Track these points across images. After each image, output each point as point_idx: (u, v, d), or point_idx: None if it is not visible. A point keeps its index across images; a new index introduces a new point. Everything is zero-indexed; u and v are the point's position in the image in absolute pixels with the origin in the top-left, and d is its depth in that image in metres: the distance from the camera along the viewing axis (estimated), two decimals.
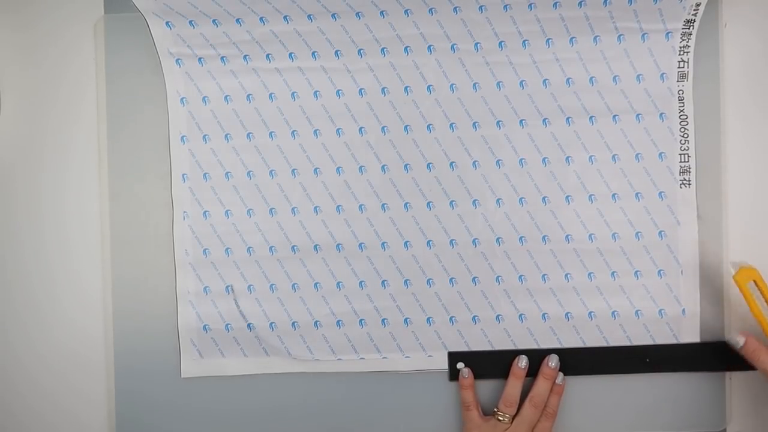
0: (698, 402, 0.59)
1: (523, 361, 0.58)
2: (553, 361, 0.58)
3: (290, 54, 0.59)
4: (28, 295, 0.61)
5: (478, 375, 0.59)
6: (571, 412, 0.59)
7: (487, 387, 0.60)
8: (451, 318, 0.60)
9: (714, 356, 0.58)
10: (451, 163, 0.59)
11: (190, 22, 0.57)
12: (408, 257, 0.59)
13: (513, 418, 0.57)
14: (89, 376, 0.61)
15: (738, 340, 0.55)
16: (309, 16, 0.57)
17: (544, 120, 0.59)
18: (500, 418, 0.56)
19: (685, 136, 0.58)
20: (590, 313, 0.59)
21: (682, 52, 0.58)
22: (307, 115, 0.59)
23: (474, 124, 0.59)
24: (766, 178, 0.59)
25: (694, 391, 0.59)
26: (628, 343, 0.59)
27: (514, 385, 0.57)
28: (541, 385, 0.57)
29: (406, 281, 0.59)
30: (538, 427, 0.56)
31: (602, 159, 0.59)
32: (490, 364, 0.59)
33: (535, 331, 0.59)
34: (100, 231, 0.60)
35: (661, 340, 0.59)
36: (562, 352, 0.59)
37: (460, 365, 0.59)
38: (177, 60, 0.59)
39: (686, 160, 0.58)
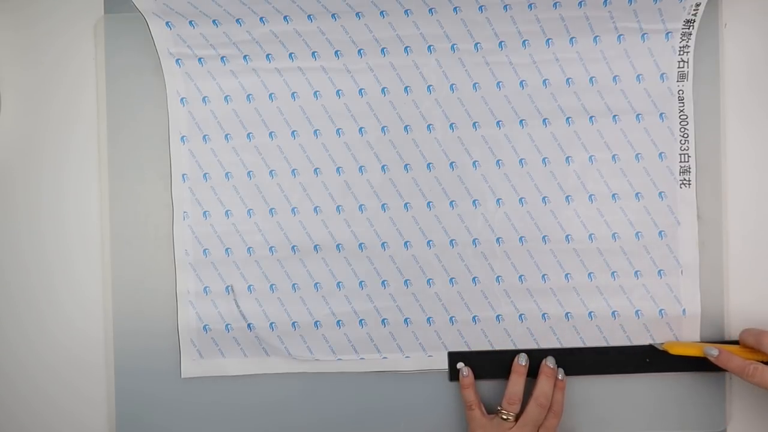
0: (698, 402, 0.59)
1: (522, 359, 0.58)
2: (550, 361, 0.58)
3: (290, 54, 0.59)
4: (28, 295, 0.61)
5: (478, 375, 0.59)
6: (572, 412, 0.59)
7: (488, 386, 0.60)
8: (451, 318, 0.60)
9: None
10: (451, 163, 0.59)
11: (190, 22, 0.57)
12: (408, 257, 0.59)
13: (517, 416, 0.56)
14: (89, 376, 0.61)
15: (712, 353, 0.55)
16: (309, 17, 0.57)
17: (544, 120, 0.59)
18: (504, 416, 0.56)
19: (685, 136, 0.58)
20: (590, 313, 0.59)
21: (682, 52, 0.58)
22: (307, 115, 0.59)
23: (474, 124, 0.59)
24: (766, 178, 0.59)
25: (694, 391, 0.59)
26: (628, 343, 0.59)
27: (517, 382, 0.57)
28: (544, 384, 0.57)
29: (406, 281, 0.59)
30: (545, 425, 0.56)
31: (602, 159, 0.59)
32: (490, 364, 0.59)
33: (535, 331, 0.59)
34: (100, 231, 0.60)
35: (661, 340, 0.59)
36: (562, 352, 0.59)
37: (460, 365, 0.59)
38: (177, 60, 0.59)
39: (686, 160, 0.58)
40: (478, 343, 0.60)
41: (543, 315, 0.59)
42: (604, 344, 0.59)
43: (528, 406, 0.56)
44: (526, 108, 0.59)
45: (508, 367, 0.58)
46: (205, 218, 0.60)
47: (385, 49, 0.59)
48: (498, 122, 0.59)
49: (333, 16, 0.57)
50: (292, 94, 0.59)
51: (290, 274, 0.60)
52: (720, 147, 0.59)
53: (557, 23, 0.57)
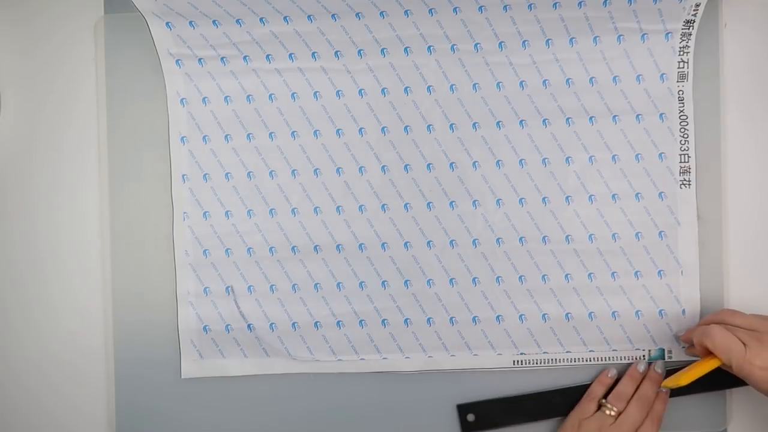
0: (698, 402, 0.59)
1: (642, 365, 0.58)
2: (659, 366, 0.58)
3: (290, 54, 0.59)
4: (26, 297, 0.61)
5: (490, 424, 0.59)
6: None
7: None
8: (451, 318, 0.60)
9: (718, 378, 0.57)
10: (451, 164, 0.59)
11: (190, 22, 0.57)
12: (408, 258, 0.59)
13: (618, 414, 0.56)
14: (89, 377, 0.61)
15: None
16: (309, 17, 0.57)
17: (544, 120, 0.59)
18: (608, 411, 0.56)
19: (685, 136, 0.58)
20: (590, 313, 0.59)
21: (682, 53, 0.58)
22: (307, 116, 0.59)
23: (474, 124, 0.59)
24: (766, 178, 0.59)
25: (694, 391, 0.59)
26: (628, 344, 0.59)
27: (628, 384, 0.57)
28: (647, 387, 0.57)
29: (406, 282, 0.59)
30: (642, 429, 0.56)
31: (602, 159, 0.59)
32: (502, 412, 0.58)
33: (535, 332, 0.59)
34: (100, 232, 0.60)
35: (661, 341, 0.59)
36: (568, 392, 0.59)
37: (470, 417, 0.59)
38: (177, 61, 0.59)
39: (686, 160, 0.59)
40: (479, 344, 0.60)
41: (543, 315, 0.59)
42: (604, 345, 0.59)
43: (629, 405, 0.56)
44: (526, 108, 0.59)
45: (520, 412, 0.58)
46: (205, 219, 0.60)
47: (385, 50, 0.58)
48: (498, 123, 0.59)
49: (333, 16, 0.57)
50: (292, 94, 0.59)
51: (290, 274, 0.60)
52: (720, 147, 0.59)
53: (557, 23, 0.57)
